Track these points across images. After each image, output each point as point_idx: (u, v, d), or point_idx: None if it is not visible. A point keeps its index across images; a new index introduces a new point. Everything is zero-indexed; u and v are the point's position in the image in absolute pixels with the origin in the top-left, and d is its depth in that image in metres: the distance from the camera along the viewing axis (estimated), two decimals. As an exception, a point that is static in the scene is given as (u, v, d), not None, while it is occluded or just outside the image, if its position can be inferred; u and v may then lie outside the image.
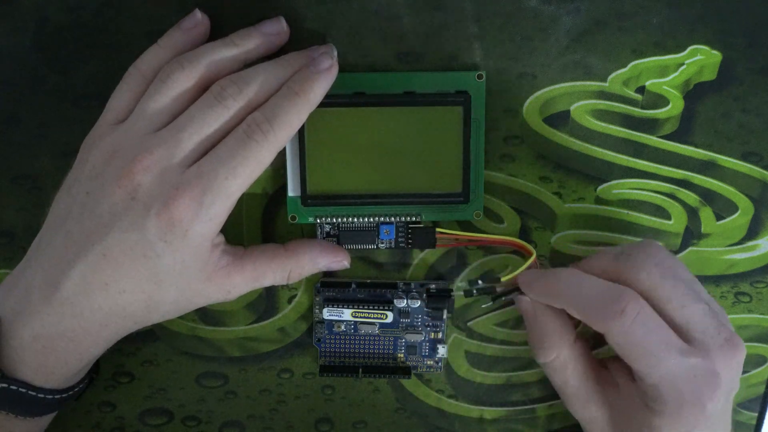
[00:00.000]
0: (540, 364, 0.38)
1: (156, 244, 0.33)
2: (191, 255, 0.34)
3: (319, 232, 0.40)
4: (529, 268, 0.38)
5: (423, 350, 0.42)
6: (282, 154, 0.39)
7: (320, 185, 0.38)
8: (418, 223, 0.40)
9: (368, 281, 0.41)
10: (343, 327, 0.41)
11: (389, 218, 0.40)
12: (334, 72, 0.35)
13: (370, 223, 0.40)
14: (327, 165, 0.38)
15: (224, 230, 0.35)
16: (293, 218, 0.40)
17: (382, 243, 0.40)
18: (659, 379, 0.33)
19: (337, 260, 0.39)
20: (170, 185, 0.33)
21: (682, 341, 0.34)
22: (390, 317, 0.41)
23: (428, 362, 0.42)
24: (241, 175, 0.34)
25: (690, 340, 0.34)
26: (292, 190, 0.39)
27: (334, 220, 0.40)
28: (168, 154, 0.33)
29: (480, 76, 0.39)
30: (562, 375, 0.38)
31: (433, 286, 0.41)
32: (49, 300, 0.34)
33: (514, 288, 0.39)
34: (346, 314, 0.41)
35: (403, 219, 0.40)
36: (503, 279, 0.39)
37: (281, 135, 0.34)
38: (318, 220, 0.40)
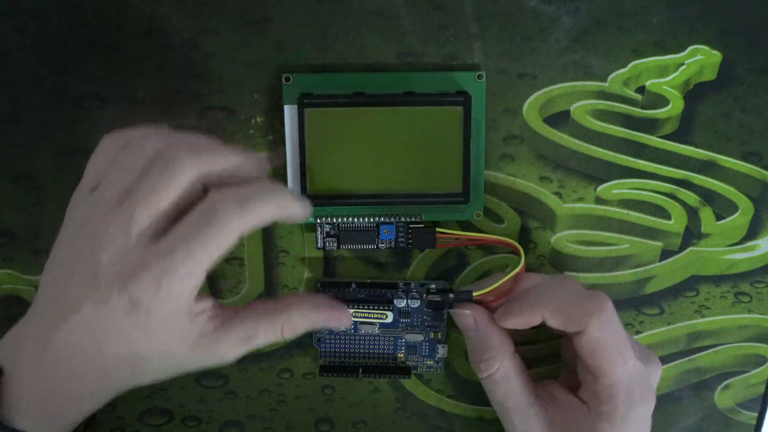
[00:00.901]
0: (482, 380, 0.39)
1: (122, 320, 0.32)
2: (162, 330, 0.33)
3: (319, 232, 0.40)
4: (514, 277, 0.39)
5: (423, 350, 0.42)
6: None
7: (320, 185, 0.38)
8: (418, 223, 0.40)
9: (368, 281, 0.41)
10: (343, 327, 0.41)
11: (389, 218, 0.40)
12: (306, 214, 0.34)
13: (370, 223, 0.40)
14: (327, 165, 0.38)
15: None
16: None
17: (382, 243, 0.40)
18: (618, 378, 0.35)
19: (334, 318, 0.38)
20: (128, 264, 0.32)
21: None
22: (390, 317, 0.41)
23: (428, 362, 0.42)
24: (198, 257, 0.32)
25: None
26: (292, 190, 0.39)
27: (334, 220, 0.40)
28: (124, 230, 0.32)
29: (480, 77, 0.39)
30: (505, 387, 0.38)
31: (433, 286, 0.41)
32: (41, 359, 0.34)
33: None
34: None
35: (403, 219, 0.40)
36: (476, 294, 0.39)
37: (249, 219, 0.32)
38: (318, 220, 0.40)
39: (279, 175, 0.40)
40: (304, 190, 0.38)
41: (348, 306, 0.40)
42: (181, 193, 0.32)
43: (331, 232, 0.40)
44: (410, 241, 0.40)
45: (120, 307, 0.32)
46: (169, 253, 0.32)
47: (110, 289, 0.32)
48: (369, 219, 0.40)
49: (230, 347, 0.35)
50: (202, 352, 0.34)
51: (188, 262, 0.32)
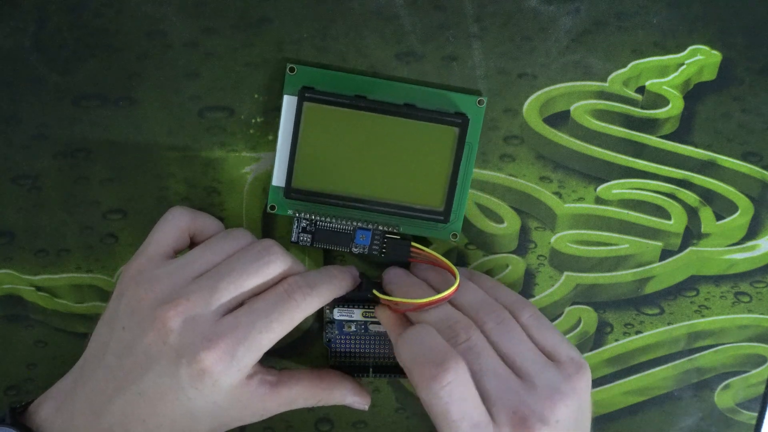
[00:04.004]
0: None
1: (188, 390, 0.33)
2: (223, 397, 0.34)
3: (295, 226, 0.40)
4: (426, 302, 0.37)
5: None
6: (273, 142, 0.39)
7: (306, 180, 0.38)
8: (395, 234, 0.40)
9: (379, 281, 0.41)
10: (353, 327, 0.41)
11: (367, 224, 0.40)
12: (356, 283, 0.39)
13: (348, 226, 0.40)
14: (316, 162, 0.38)
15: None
16: (272, 208, 0.40)
17: (356, 248, 0.40)
18: None
19: (361, 401, 0.40)
20: (202, 335, 0.33)
21: (483, 416, 0.34)
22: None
23: None
24: (275, 330, 0.35)
25: (488, 408, 0.34)
26: (277, 180, 0.39)
27: (312, 217, 0.39)
28: (203, 302, 0.34)
29: (481, 102, 0.39)
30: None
31: None
32: (92, 428, 0.34)
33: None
34: (357, 314, 0.41)
35: (380, 228, 0.40)
36: (381, 298, 0.38)
37: (316, 301, 0.36)
38: (296, 214, 0.40)
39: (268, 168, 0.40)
40: (289, 182, 0.38)
41: (358, 306, 0.40)
42: (266, 281, 0.36)
43: (307, 228, 0.40)
44: (384, 250, 0.40)
45: (186, 377, 0.33)
46: (248, 324, 0.34)
47: (180, 358, 0.33)
48: (347, 222, 0.40)
49: (272, 408, 0.37)
50: (250, 412, 0.36)
51: (265, 335, 0.34)
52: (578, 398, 0.35)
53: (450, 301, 0.37)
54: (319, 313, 0.41)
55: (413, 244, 0.40)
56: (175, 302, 0.34)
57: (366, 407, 0.40)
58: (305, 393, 0.38)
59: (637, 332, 0.43)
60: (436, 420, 0.34)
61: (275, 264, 0.36)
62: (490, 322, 0.36)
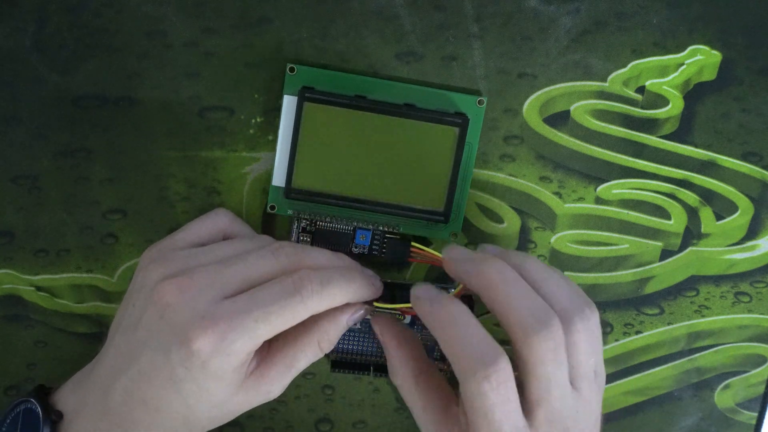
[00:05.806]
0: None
1: (177, 369, 0.33)
2: (213, 381, 0.33)
3: (294, 226, 0.40)
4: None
5: (435, 350, 0.42)
6: (273, 142, 0.39)
7: (306, 180, 0.38)
8: (395, 234, 0.40)
9: (387, 281, 0.41)
10: (358, 325, 0.41)
11: (367, 225, 0.40)
12: (377, 294, 0.37)
13: (348, 226, 0.40)
14: (316, 161, 0.38)
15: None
16: (272, 208, 0.40)
17: (356, 248, 0.40)
18: None
19: (355, 309, 0.37)
20: (198, 314, 0.33)
21: (524, 422, 0.33)
22: (408, 318, 0.41)
23: (440, 364, 0.42)
24: (273, 322, 0.33)
25: (528, 410, 0.34)
26: (277, 180, 0.39)
27: (313, 217, 0.39)
28: (206, 283, 0.33)
29: (481, 102, 0.39)
30: (408, 399, 0.37)
31: (452, 289, 0.41)
32: (100, 407, 0.34)
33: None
34: None
35: (380, 228, 0.40)
36: (382, 307, 0.38)
37: (325, 301, 0.34)
38: (297, 214, 0.40)
39: (268, 168, 0.40)
40: (289, 182, 0.38)
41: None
42: (275, 273, 0.34)
43: (307, 228, 0.40)
44: (384, 250, 0.40)
45: (176, 355, 0.33)
46: (245, 311, 0.33)
47: (173, 335, 0.33)
48: (347, 222, 0.40)
49: (275, 380, 0.35)
50: (249, 393, 0.35)
51: (260, 325, 0.33)
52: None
53: (537, 289, 0.35)
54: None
55: (413, 244, 0.40)
56: (177, 279, 0.33)
57: (377, 290, 0.37)
58: (298, 345, 0.36)
59: (637, 332, 0.43)
60: (475, 416, 0.33)
61: (286, 259, 0.35)
62: (578, 323, 0.34)
